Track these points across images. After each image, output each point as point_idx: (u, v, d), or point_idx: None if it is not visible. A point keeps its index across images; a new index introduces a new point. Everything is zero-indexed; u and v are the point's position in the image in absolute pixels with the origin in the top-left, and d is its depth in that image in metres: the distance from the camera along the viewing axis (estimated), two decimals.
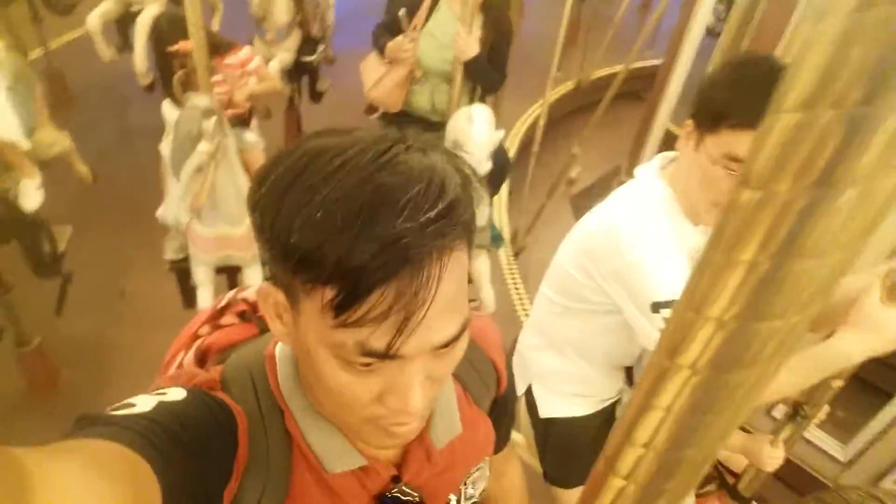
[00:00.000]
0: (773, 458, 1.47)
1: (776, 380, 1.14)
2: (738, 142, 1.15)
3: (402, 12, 2.50)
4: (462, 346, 0.64)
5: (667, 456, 0.37)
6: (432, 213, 0.54)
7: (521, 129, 5.08)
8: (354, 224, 0.52)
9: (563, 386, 1.67)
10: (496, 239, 2.83)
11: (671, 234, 1.30)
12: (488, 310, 2.79)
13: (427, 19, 2.58)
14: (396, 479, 0.78)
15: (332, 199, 0.53)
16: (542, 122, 3.84)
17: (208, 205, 2.32)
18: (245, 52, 2.81)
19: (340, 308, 0.54)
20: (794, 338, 0.31)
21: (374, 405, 0.61)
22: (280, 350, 0.74)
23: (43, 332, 2.86)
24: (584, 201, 4.06)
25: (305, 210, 0.54)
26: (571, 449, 1.67)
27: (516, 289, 3.68)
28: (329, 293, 0.54)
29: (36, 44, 4.62)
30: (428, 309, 0.54)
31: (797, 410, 1.34)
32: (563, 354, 1.62)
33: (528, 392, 1.73)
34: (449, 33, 2.44)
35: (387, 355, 0.56)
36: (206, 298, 2.60)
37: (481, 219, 2.51)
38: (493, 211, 3.70)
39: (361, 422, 0.64)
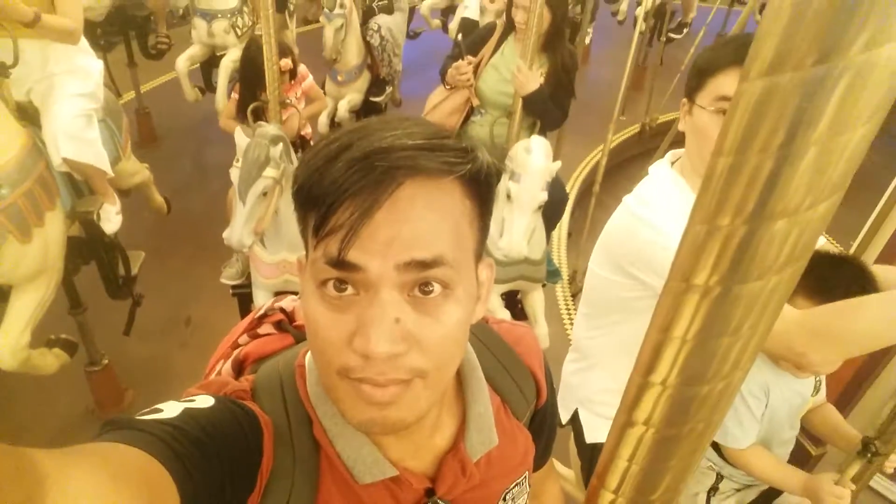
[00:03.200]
0: (836, 497, 1.35)
1: (877, 311, 1.04)
2: (725, 82, 1.22)
3: (458, 37, 2.61)
4: (451, 313, 0.61)
5: (666, 432, 0.38)
6: (411, 141, 0.57)
7: (582, 172, 5.07)
8: (337, 154, 0.57)
9: (609, 408, 1.61)
10: (553, 274, 2.79)
11: (684, 204, 1.32)
12: (542, 346, 2.74)
13: (494, 53, 2.67)
14: (430, 493, 0.75)
15: (328, 145, 0.58)
16: (602, 164, 3.82)
17: (272, 231, 2.41)
18: (302, 68, 3.11)
19: (318, 227, 0.58)
20: (777, 300, 0.32)
21: (346, 352, 0.59)
22: (310, 358, 0.74)
23: (112, 352, 2.99)
24: None
25: (310, 161, 0.59)
26: None
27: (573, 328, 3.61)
28: (313, 218, 0.59)
29: (130, 86, 4.99)
30: (379, 211, 0.55)
31: (867, 446, 1.24)
32: (607, 370, 1.59)
33: (574, 419, 1.68)
34: (512, 68, 2.50)
35: (339, 259, 0.57)
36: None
37: (537, 252, 2.52)
38: (552, 248, 3.67)
39: (337, 378, 0.61)
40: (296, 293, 2.50)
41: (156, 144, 5.18)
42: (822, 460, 2.60)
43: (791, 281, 0.32)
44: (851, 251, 2.22)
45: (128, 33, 4.72)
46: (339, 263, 0.57)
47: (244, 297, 2.83)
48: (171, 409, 0.61)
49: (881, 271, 1.33)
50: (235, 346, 0.89)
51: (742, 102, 0.28)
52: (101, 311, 2.92)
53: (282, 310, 0.92)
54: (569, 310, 3.74)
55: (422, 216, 0.57)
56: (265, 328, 0.89)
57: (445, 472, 0.75)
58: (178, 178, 4.72)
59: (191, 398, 0.65)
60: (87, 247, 2.64)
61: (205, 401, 0.65)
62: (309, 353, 0.75)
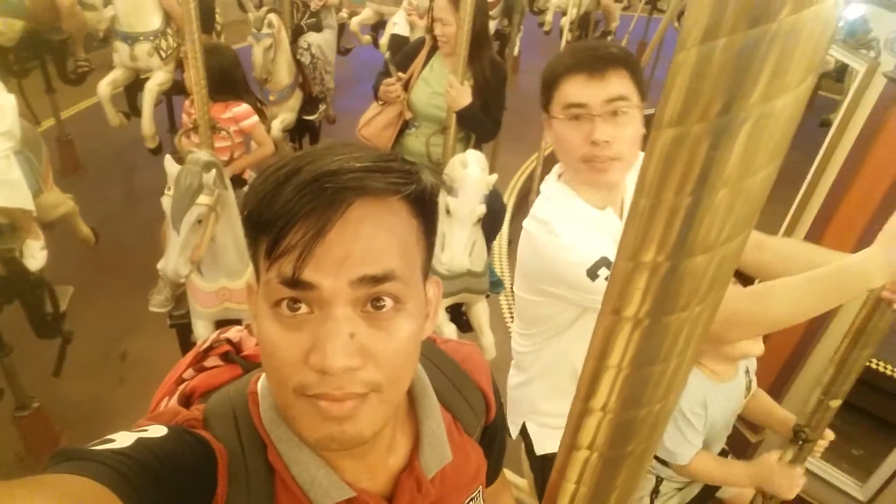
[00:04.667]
0: (792, 478, 1.40)
1: (784, 296, 1.10)
2: (569, 90, 1.30)
3: (387, 55, 2.64)
4: (403, 327, 0.63)
5: (609, 454, 0.40)
6: (359, 164, 0.60)
7: (519, 180, 5.15)
8: (287, 179, 0.59)
9: (555, 419, 1.65)
10: (496, 285, 2.83)
11: (573, 214, 1.38)
12: (488, 356, 2.77)
13: (424, 67, 2.72)
14: None
15: (276, 171, 0.61)
16: (538, 172, 3.90)
17: (208, 258, 2.35)
18: (242, 108, 2.93)
19: (271, 248, 0.59)
20: (702, 326, 0.35)
21: (302, 370, 0.60)
22: (262, 384, 0.74)
23: (43, 394, 2.84)
24: None
25: (259, 187, 0.61)
26: None
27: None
28: (265, 241, 0.60)
29: (49, 113, 4.77)
30: (332, 230, 0.57)
31: (797, 434, 1.31)
32: (545, 382, 1.63)
33: (524, 432, 1.71)
34: (442, 81, 2.54)
35: (294, 278, 0.58)
36: None
37: (479, 265, 2.55)
38: (494, 259, 3.71)
39: (294, 397, 0.62)
40: (237, 321, 2.43)
41: (80, 173, 4.96)
42: (760, 446, 2.72)
43: (713, 308, 0.35)
44: None
45: (44, 58, 4.51)
46: (294, 283, 0.58)
47: (183, 328, 2.74)
48: (123, 439, 0.60)
49: (776, 243, 1.41)
50: (180, 381, 0.87)
51: (657, 148, 0.31)
52: (29, 351, 2.78)
53: (228, 340, 0.90)
54: (513, 318, 3.79)
55: (372, 234, 0.60)
56: (211, 360, 0.88)
57: (402, 490, 0.76)
58: (106, 207, 4.53)
59: (143, 428, 0.64)
60: (9, 286, 2.50)
61: (157, 430, 0.64)
62: (261, 380, 0.75)
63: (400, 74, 2.69)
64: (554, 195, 1.44)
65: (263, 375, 0.75)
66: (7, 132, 2.41)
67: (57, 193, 3.04)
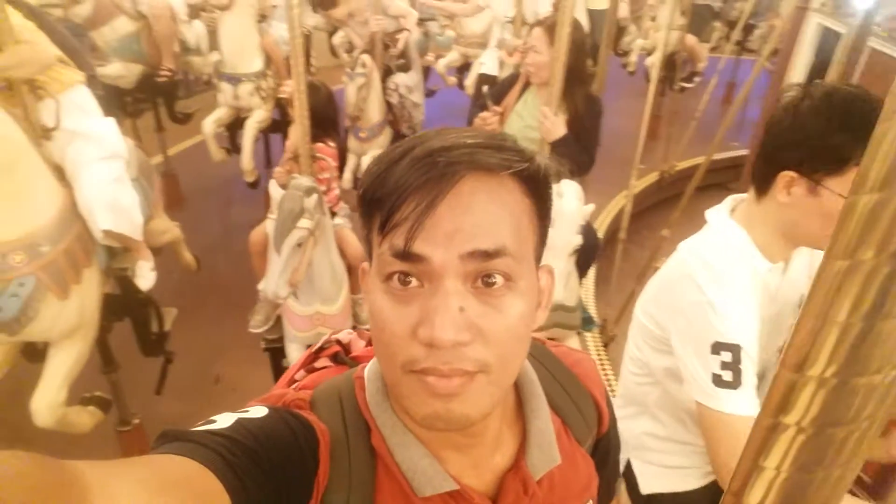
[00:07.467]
0: None
1: None
2: None
3: (485, 89, 2.68)
4: (514, 305, 0.61)
5: (798, 476, 0.36)
6: (472, 140, 0.61)
7: (605, 220, 5.07)
8: (401, 157, 0.60)
9: (664, 457, 1.54)
10: (587, 322, 2.76)
11: (746, 273, 1.29)
12: None
13: (517, 100, 2.74)
14: None
15: (391, 152, 0.62)
16: (627, 210, 3.82)
17: (305, 282, 2.42)
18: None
19: (385, 223, 0.60)
20: (893, 393, 0.33)
21: (411, 344, 0.59)
22: (369, 369, 0.75)
23: (141, 412, 2.97)
24: None
25: (373, 168, 0.63)
26: None
27: (606, 377, 3.53)
28: (378, 218, 0.61)
29: (157, 150, 5.13)
30: (442, 203, 0.58)
31: None
32: (657, 420, 1.53)
33: (627, 468, 1.61)
34: (535, 114, 2.54)
35: (405, 251, 0.58)
36: None
37: (572, 299, 2.49)
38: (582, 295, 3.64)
39: (402, 373, 0.61)
40: None
41: (183, 205, 5.28)
42: None
43: None
44: None
45: (155, 100, 4.88)
46: (405, 255, 0.59)
47: (276, 353, 2.82)
48: (223, 420, 0.62)
49: None
50: (292, 381, 0.88)
51: (857, 210, 0.29)
52: (132, 369, 2.91)
53: (338, 342, 0.92)
54: (601, 360, 3.68)
55: (483, 208, 0.59)
56: (322, 361, 0.89)
57: (507, 490, 0.73)
58: (205, 238, 4.78)
59: (245, 409, 0.66)
60: (120, 304, 2.65)
61: (258, 411, 0.66)
62: (368, 366, 0.75)
63: (495, 108, 2.73)
64: (728, 235, 1.34)
65: (371, 361, 0.76)
66: (112, 154, 2.39)
67: (165, 220, 3.22)
